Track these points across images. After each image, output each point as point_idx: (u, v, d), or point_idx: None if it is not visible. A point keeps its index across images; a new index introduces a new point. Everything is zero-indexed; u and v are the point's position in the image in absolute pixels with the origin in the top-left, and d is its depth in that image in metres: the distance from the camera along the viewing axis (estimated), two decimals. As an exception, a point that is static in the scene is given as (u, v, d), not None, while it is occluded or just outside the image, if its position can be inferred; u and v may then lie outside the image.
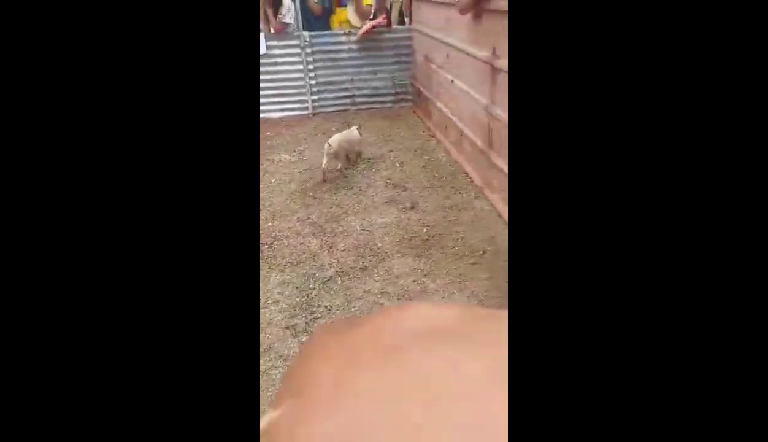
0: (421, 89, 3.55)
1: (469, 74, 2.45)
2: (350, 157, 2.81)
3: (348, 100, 3.87)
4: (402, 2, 3.68)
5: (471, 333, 0.20)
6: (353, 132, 2.78)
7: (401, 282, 1.84)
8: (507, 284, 1.51)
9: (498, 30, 1.99)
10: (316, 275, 1.90)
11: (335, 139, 2.64)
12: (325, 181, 2.64)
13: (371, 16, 3.54)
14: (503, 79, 2.01)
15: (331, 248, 2.07)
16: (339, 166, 2.69)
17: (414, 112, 3.82)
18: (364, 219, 2.29)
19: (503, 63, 1.97)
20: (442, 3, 2.75)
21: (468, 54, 2.38)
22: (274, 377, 1.43)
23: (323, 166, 2.62)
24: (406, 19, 3.67)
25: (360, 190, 2.58)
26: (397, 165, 2.88)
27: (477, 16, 2.20)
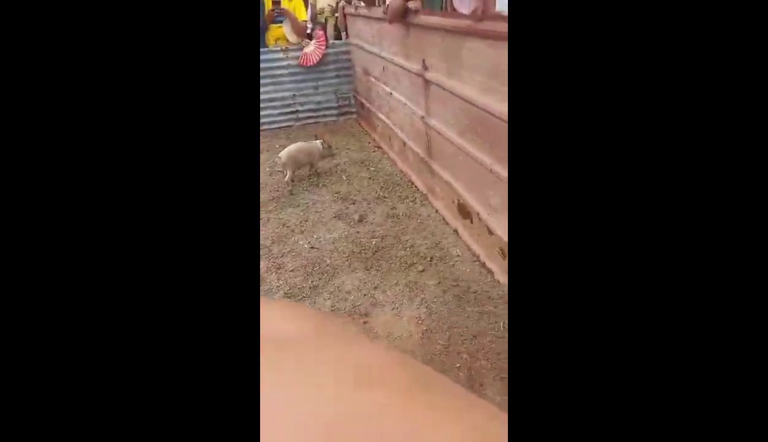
0: (364, 102, 3.60)
1: (404, 86, 2.51)
2: (301, 170, 2.78)
3: (292, 116, 3.84)
4: (337, 18, 3.72)
5: (292, 347, 0.19)
6: (314, 145, 2.74)
7: (351, 297, 1.85)
8: (455, 287, 1.53)
9: (424, 44, 2.07)
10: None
11: (286, 150, 2.64)
12: (291, 193, 2.69)
13: (308, 32, 3.55)
14: (435, 91, 2.08)
15: (279, 269, 2.04)
16: (287, 177, 2.66)
17: (359, 124, 3.86)
18: (312, 236, 2.27)
19: (432, 75, 2.05)
20: (374, 18, 2.81)
21: (401, 67, 2.45)
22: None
23: (286, 179, 2.67)
24: (343, 34, 3.71)
25: (307, 206, 2.57)
26: (344, 178, 2.89)
27: (404, 28, 2.27)
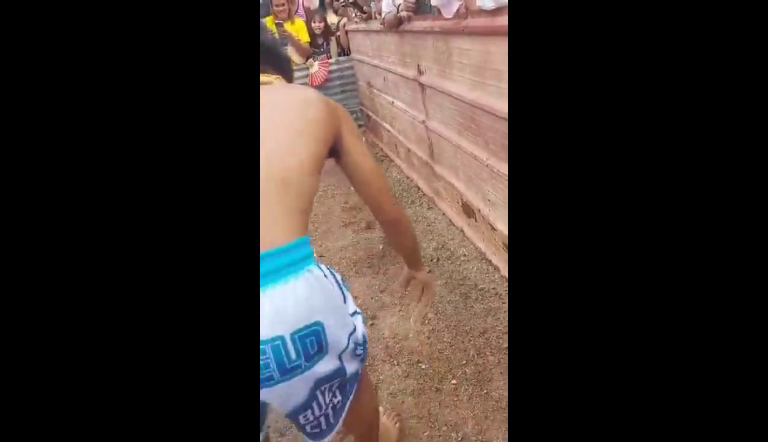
0: (370, 114, 3.67)
1: (404, 93, 2.56)
2: None
3: (301, 134, 3.95)
4: (339, 36, 3.84)
5: None
6: None
7: (359, 301, 1.86)
8: (461, 286, 1.55)
9: (418, 50, 2.11)
10: (275, 307, 1.90)
11: None
12: None
13: (312, 53, 3.68)
14: (431, 94, 2.11)
15: (288, 278, 2.08)
16: None
17: (367, 135, 3.93)
18: (320, 245, 2.31)
19: (427, 79, 2.08)
20: (372, 31, 2.89)
21: (399, 75, 2.50)
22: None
23: None
24: (347, 51, 3.83)
25: (315, 217, 2.62)
26: (352, 189, 2.94)
27: (399, 36, 2.32)
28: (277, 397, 0.60)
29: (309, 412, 0.64)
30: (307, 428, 0.67)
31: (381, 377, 1.46)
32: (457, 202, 2.17)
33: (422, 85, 2.17)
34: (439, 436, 1.24)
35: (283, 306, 0.56)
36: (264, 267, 0.56)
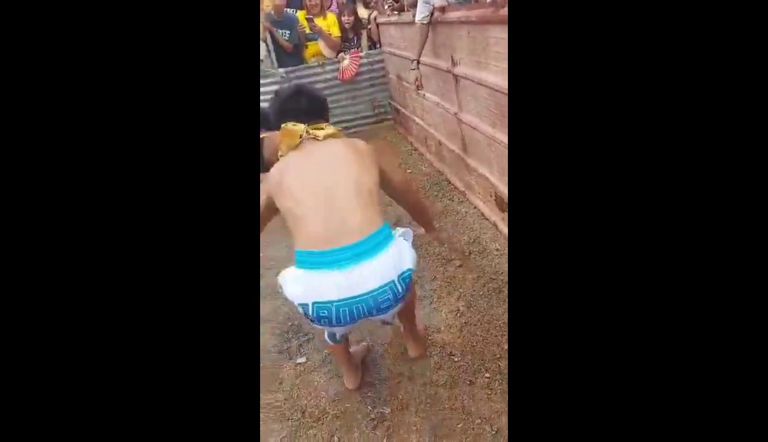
0: (399, 107, 3.66)
1: (436, 85, 2.53)
2: None
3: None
4: (369, 29, 3.84)
5: None
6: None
7: (390, 293, 1.87)
8: (494, 281, 1.58)
9: (452, 41, 2.08)
10: (308, 297, 1.93)
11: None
12: None
13: (342, 47, 3.70)
14: (465, 85, 2.08)
15: (320, 269, 2.11)
16: None
17: (396, 129, 3.92)
18: (351, 238, 2.33)
19: (461, 70, 2.05)
20: (405, 23, 2.87)
21: (431, 66, 2.47)
22: (272, 402, 1.45)
23: None
24: (377, 44, 3.82)
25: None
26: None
27: (432, 27, 2.29)
28: (391, 315, 1.18)
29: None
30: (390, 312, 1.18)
31: (413, 368, 1.46)
32: (491, 196, 2.13)
33: (456, 76, 2.14)
34: (473, 429, 1.23)
35: (391, 262, 1.06)
36: (374, 241, 1.05)
